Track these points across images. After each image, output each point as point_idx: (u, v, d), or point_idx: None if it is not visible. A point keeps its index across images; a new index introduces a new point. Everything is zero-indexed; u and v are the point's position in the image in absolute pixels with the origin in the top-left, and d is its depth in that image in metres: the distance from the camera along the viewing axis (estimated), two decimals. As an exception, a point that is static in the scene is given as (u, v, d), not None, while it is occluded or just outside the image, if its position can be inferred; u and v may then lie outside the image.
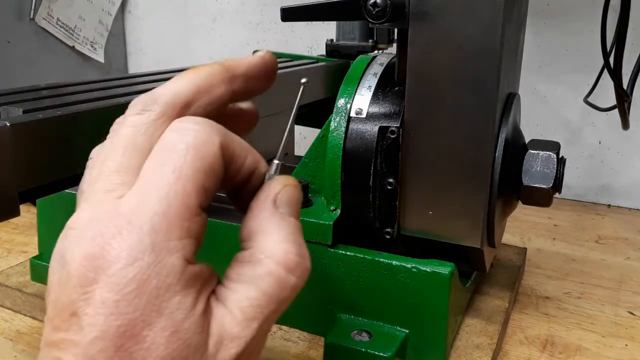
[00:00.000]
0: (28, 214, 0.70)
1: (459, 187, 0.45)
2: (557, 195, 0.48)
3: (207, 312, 0.23)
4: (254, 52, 0.95)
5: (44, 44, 1.03)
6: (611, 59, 0.60)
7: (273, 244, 0.25)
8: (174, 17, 1.21)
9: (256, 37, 1.12)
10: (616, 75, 0.59)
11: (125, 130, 0.26)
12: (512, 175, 0.46)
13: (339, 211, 0.49)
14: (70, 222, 0.24)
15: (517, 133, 0.49)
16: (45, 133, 0.39)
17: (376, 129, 0.47)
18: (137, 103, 0.27)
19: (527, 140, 0.50)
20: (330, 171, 0.49)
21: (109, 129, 0.27)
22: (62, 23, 1.06)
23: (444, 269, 0.45)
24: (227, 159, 0.25)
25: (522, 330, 0.54)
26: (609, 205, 0.92)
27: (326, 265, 0.49)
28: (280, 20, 0.49)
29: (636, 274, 0.67)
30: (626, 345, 0.53)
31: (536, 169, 0.46)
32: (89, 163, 0.27)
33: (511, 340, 0.53)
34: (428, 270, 0.45)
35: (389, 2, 0.41)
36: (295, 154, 0.72)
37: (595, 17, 0.67)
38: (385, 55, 0.54)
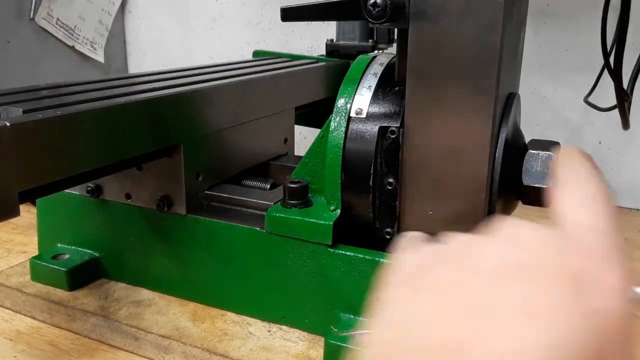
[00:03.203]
0: (28, 214, 0.69)
1: (459, 187, 0.45)
2: (557, 195, 0.47)
3: None
4: (254, 52, 0.95)
5: (44, 44, 1.03)
6: (611, 59, 0.60)
7: None
8: (174, 17, 1.20)
9: (256, 37, 1.12)
10: (616, 75, 0.59)
11: None
12: (512, 175, 0.46)
13: (339, 211, 0.49)
14: None
15: (517, 133, 0.49)
16: (45, 133, 0.39)
17: (376, 129, 0.47)
18: None
19: (527, 140, 0.50)
20: (330, 171, 0.49)
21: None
22: (62, 23, 1.06)
23: (444, 269, 0.44)
24: None
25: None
26: (609, 205, 0.92)
27: (326, 265, 0.49)
28: (280, 20, 0.49)
29: (637, 274, 0.67)
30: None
31: (536, 169, 0.46)
32: None
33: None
34: (428, 270, 0.45)
35: (389, 2, 0.41)
36: (296, 154, 0.72)
37: (595, 17, 0.67)
38: (385, 55, 0.54)
